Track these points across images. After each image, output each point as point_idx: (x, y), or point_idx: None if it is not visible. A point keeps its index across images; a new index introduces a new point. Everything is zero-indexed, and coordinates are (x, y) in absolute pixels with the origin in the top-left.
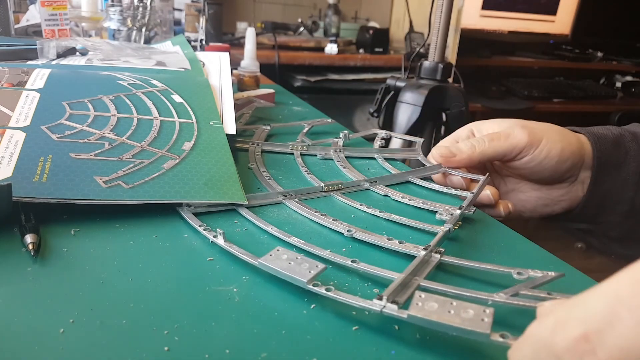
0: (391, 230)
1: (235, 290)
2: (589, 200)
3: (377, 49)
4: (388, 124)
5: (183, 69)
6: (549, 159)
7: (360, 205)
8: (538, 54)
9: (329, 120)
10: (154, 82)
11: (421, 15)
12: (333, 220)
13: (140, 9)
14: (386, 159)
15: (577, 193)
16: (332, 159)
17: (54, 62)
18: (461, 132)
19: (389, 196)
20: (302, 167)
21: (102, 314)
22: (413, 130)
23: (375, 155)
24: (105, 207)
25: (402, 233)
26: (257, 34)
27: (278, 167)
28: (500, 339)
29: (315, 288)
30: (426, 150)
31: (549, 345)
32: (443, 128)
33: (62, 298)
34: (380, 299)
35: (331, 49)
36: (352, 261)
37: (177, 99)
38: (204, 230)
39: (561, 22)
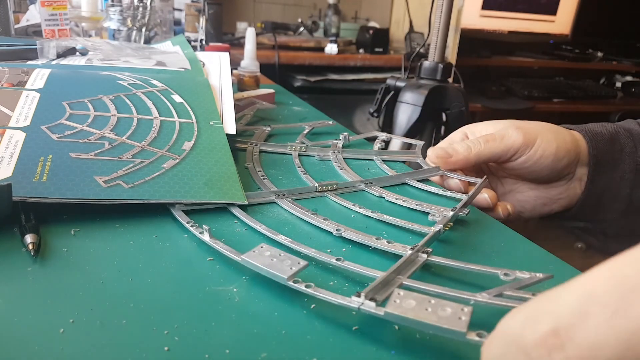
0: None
1: (235, 290)
2: (586, 198)
3: (377, 49)
4: (388, 124)
5: (183, 69)
6: (544, 158)
7: (353, 205)
8: (538, 54)
9: (330, 122)
10: (154, 82)
11: (421, 15)
12: (323, 219)
13: (140, 9)
14: (385, 161)
15: (575, 191)
16: (330, 160)
17: (54, 62)
18: (455, 135)
19: (383, 197)
20: (299, 167)
21: (102, 314)
22: (413, 130)
23: (374, 157)
24: (105, 207)
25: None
26: (257, 34)
27: (275, 167)
28: (477, 338)
29: (296, 285)
30: (423, 153)
31: (519, 340)
32: (443, 128)
33: (62, 298)
34: (359, 296)
35: (331, 49)
36: (336, 259)
37: (177, 99)
38: (192, 227)
39: (561, 22)
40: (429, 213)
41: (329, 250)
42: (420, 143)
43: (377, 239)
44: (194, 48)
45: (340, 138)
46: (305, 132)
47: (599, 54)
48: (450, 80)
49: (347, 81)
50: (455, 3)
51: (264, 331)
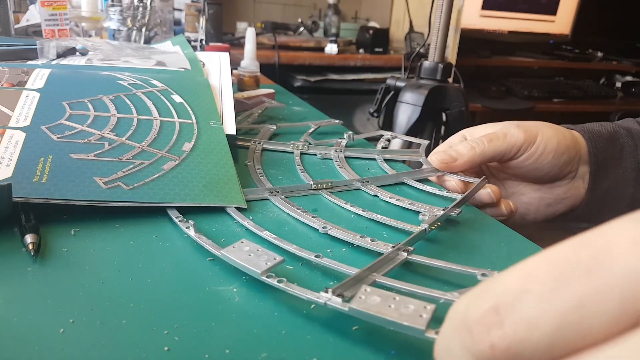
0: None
1: (235, 290)
2: (591, 198)
3: (377, 49)
4: (388, 124)
5: (183, 69)
6: (545, 154)
7: (345, 203)
8: (538, 54)
9: (337, 121)
10: (154, 82)
11: (421, 15)
12: (312, 217)
13: (140, 9)
14: (386, 160)
15: (579, 190)
16: (332, 159)
17: (54, 62)
18: (454, 138)
19: (378, 196)
20: (299, 165)
21: (102, 314)
22: (413, 130)
23: (376, 157)
24: (105, 208)
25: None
26: (257, 34)
27: (276, 165)
28: (435, 336)
29: (269, 280)
30: (427, 152)
31: (463, 319)
32: (443, 128)
33: (62, 298)
34: (327, 292)
35: (331, 49)
36: (315, 256)
37: (177, 99)
38: (180, 221)
39: (561, 22)
40: (420, 212)
41: (311, 247)
42: (425, 142)
43: (361, 236)
44: (194, 48)
45: (345, 137)
46: (310, 130)
47: (599, 54)
48: (450, 80)
49: (347, 81)
50: (455, 3)
51: (264, 331)
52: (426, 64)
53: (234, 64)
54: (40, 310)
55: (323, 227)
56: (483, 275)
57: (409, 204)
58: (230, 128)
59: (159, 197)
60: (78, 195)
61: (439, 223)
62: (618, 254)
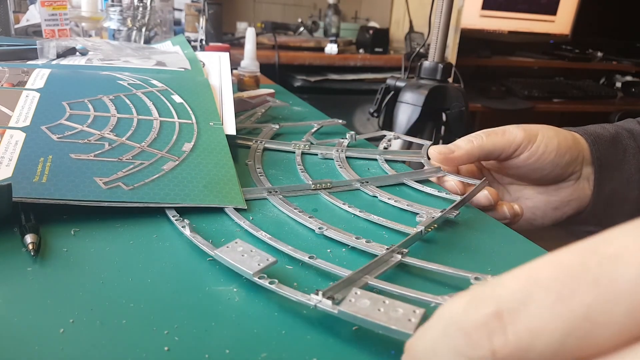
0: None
1: (235, 290)
2: (596, 201)
3: (377, 49)
4: (388, 124)
5: (183, 69)
6: (547, 153)
7: (343, 204)
8: (538, 54)
9: (339, 121)
10: (154, 82)
11: (421, 15)
12: (309, 217)
13: (140, 9)
14: (388, 161)
15: (584, 191)
16: (333, 159)
17: (54, 62)
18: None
19: (377, 197)
20: (299, 165)
21: (102, 314)
22: (413, 130)
23: (378, 157)
24: (105, 208)
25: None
26: (257, 34)
27: (276, 164)
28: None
29: (260, 280)
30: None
31: (459, 322)
32: (443, 128)
33: (62, 298)
34: (317, 294)
35: (331, 49)
36: (309, 257)
37: (177, 99)
38: (176, 220)
39: (561, 22)
40: (418, 214)
41: (306, 248)
42: (427, 143)
43: (356, 238)
44: (194, 48)
45: (347, 137)
46: (312, 130)
47: (599, 54)
48: (450, 80)
49: (347, 81)
50: (455, 3)
51: (264, 331)
52: (426, 64)
53: (234, 64)
54: (40, 310)
55: (319, 228)
56: (476, 279)
57: (407, 205)
58: (230, 128)
59: (158, 197)
60: (78, 196)
61: (435, 225)
62: (625, 263)
